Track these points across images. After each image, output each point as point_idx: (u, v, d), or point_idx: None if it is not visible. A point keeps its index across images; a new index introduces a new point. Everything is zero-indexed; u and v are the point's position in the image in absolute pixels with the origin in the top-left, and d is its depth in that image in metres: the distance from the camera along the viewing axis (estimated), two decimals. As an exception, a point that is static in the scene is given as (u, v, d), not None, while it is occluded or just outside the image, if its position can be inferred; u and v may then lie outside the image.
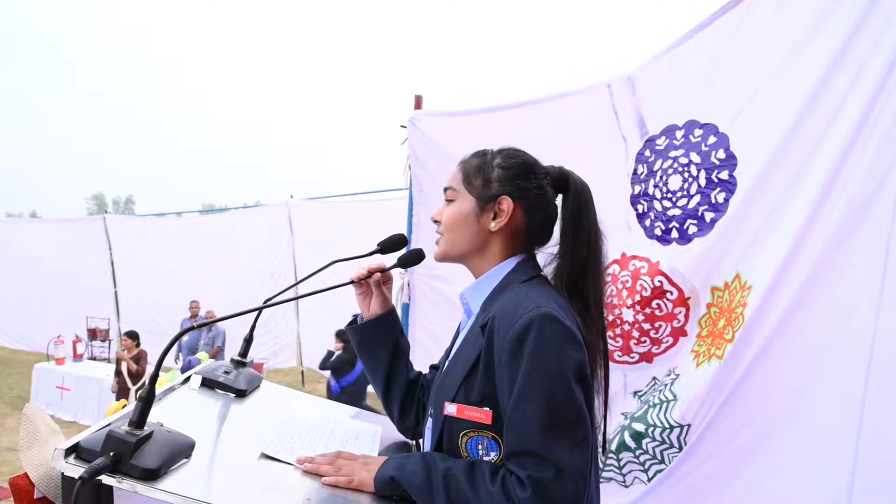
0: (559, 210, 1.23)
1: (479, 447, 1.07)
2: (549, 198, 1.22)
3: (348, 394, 6.03)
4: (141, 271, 9.91)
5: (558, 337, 1.01)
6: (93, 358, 9.11)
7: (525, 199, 1.20)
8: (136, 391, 6.65)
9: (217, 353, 7.54)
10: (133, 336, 7.05)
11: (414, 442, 1.43)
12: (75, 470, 0.86)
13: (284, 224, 8.59)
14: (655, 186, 2.02)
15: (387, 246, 1.39)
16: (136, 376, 6.70)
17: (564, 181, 1.23)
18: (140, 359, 6.88)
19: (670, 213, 1.97)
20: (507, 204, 1.18)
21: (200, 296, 8.35)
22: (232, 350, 7.65)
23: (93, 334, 9.56)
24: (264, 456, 1.10)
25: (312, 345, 8.61)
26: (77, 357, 8.38)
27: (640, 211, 2.09)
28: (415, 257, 1.37)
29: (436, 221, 1.27)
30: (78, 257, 10.28)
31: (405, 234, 1.54)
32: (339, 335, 6.33)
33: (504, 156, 1.23)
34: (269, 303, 1.28)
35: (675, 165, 1.96)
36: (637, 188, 2.11)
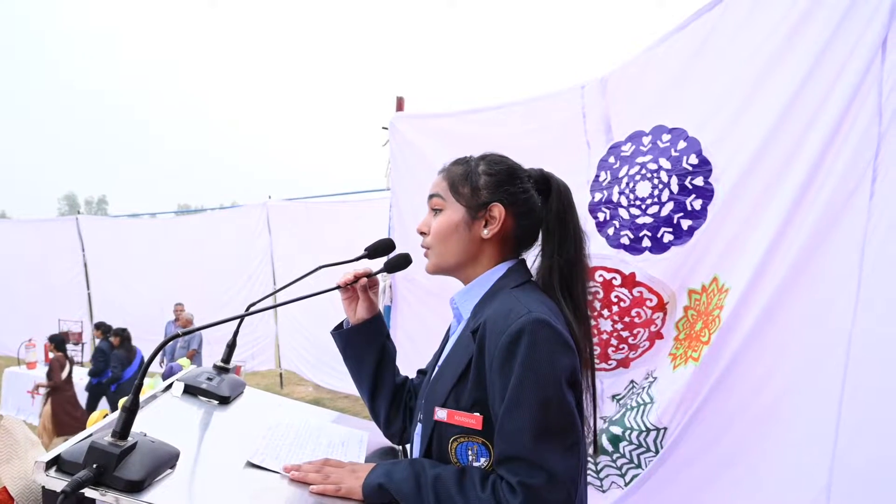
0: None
1: (469, 453, 1.07)
2: (535, 202, 1.23)
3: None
4: (115, 273, 9.72)
5: (550, 342, 1.01)
6: (65, 361, 8.91)
7: (514, 204, 1.21)
8: (46, 397, 6.40)
9: (193, 356, 7.44)
10: (54, 340, 6.75)
11: (400, 447, 1.43)
12: (57, 483, 0.84)
13: (262, 225, 8.49)
14: (621, 193, 2.00)
15: (374, 251, 1.38)
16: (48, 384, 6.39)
17: (546, 183, 1.25)
18: (54, 368, 6.48)
19: (639, 220, 1.95)
20: (498, 210, 1.19)
21: (177, 297, 8.23)
22: (208, 352, 7.56)
23: (65, 337, 9.35)
24: (250, 464, 1.09)
25: (291, 347, 8.53)
26: (49, 361, 8.18)
27: (602, 219, 2.06)
28: (402, 262, 1.37)
29: (422, 233, 1.26)
30: (50, 258, 10.05)
31: (387, 236, 1.53)
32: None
33: (488, 162, 1.24)
34: (252, 309, 1.27)
35: (643, 171, 1.94)
36: (598, 196, 2.08)
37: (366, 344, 1.38)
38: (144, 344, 9.07)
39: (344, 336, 1.39)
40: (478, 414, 1.06)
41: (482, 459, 1.07)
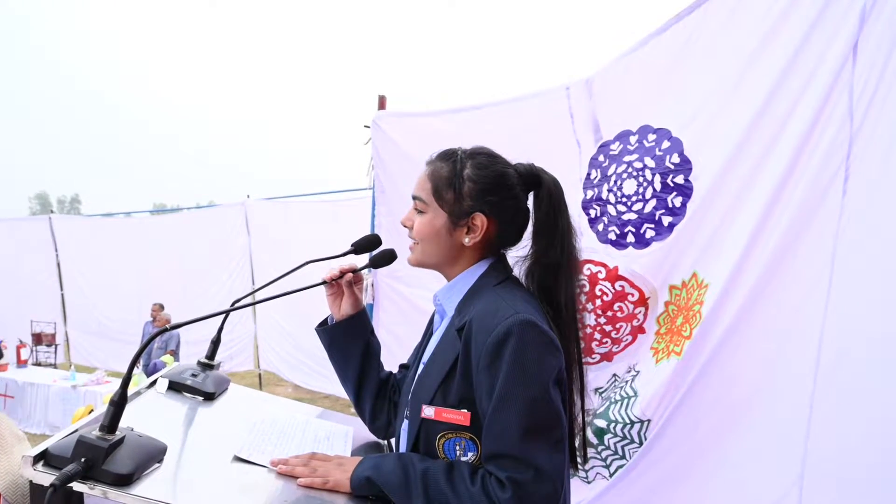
0: (531, 209, 1.23)
1: (457, 448, 1.09)
2: (522, 205, 1.22)
3: None
4: (90, 273, 9.56)
5: (537, 343, 1.03)
6: (38, 363, 8.75)
7: (498, 212, 1.19)
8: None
9: (172, 356, 7.35)
10: None
11: (385, 442, 1.44)
12: (45, 478, 0.84)
13: (241, 224, 8.42)
14: (609, 191, 2.05)
15: (360, 246, 1.38)
16: None
17: (536, 179, 1.22)
18: None
19: (625, 217, 2.00)
20: (480, 220, 1.18)
21: (154, 298, 8.11)
22: (185, 353, 7.46)
23: (38, 339, 9.19)
24: (237, 459, 1.09)
25: (269, 347, 8.47)
26: (21, 363, 8.02)
27: (593, 216, 2.11)
28: (387, 257, 1.37)
29: (406, 226, 1.26)
30: (22, 259, 9.84)
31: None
32: None
33: (475, 165, 1.19)
34: (237, 305, 1.27)
35: (630, 170, 1.99)
36: (589, 193, 2.13)
37: (350, 340, 1.38)
38: (122, 346, 8.95)
39: (329, 332, 1.39)
40: (465, 410, 1.07)
41: (470, 454, 1.08)
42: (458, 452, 1.09)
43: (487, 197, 1.18)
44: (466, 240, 1.19)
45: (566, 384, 1.11)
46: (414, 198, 1.24)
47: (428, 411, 1.11)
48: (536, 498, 0.98)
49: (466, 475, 1.03)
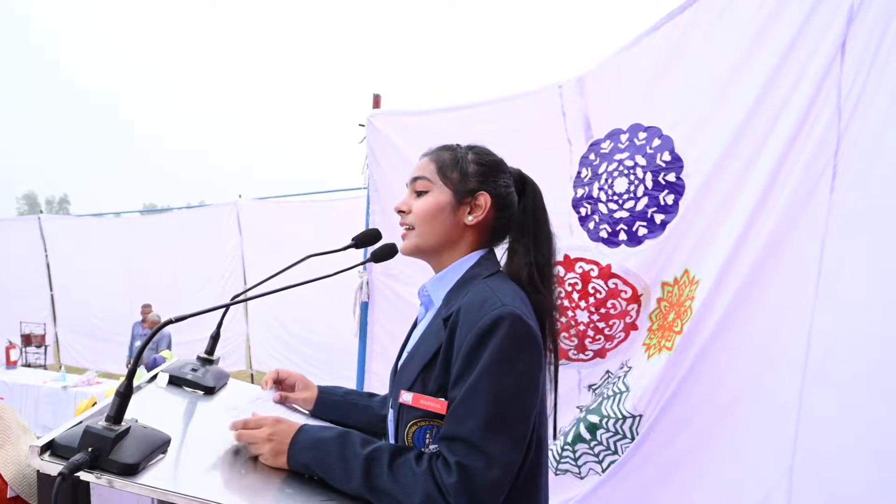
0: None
1: (427, 437, 1.08)
2: (514, 198, 1.28)
3: None
4: (80, 274, 9.50)
5: (521, 337, 1.04)
6: (27, 365, 8.70)
7: (497, 196, 1.24)
8: None
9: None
10: None
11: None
12: (53, 467, 0.85)
13: (233, 225, 8.39)
14: (600, 189, 2.07)
15: (361, 241, 1.39)
16: None
17: (522, 184, 1.29)
18: None
19: (617, 215, 2.02)
20: (484, 199, 1.22)
21: (144, 299, 8.08)
22: (177, 354, 7.43)
23: (27, 340, 9.16)
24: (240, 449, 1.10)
25: (262, 347, 8.45)
26: (10, 364, 7.94)
27: (584, 214, 2.13)
28: (388, 252, 1.38)
29: (401, 212, 1.26)
30: (11, 259, 9.77)
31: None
32: None
33: (477, 152, 1.27)
34: (237, 299, 1.28)
35: (621, 168, 2.02)
36: (580, 191, 2.15)
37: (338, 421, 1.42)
38: (113, 347, 8.91)
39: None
40: (443, 399, 1.07)
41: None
42: (427, 441, 1.08)
43: (491, 178, 1.24)
44: (470, 218, 1.22)
45: (542, 379, 1.11)
46: (416, 178, 1.25)
47: (406, 397, 1.11)
48: (482, 484, 0.97)
49: (412, 457, 1.02)
